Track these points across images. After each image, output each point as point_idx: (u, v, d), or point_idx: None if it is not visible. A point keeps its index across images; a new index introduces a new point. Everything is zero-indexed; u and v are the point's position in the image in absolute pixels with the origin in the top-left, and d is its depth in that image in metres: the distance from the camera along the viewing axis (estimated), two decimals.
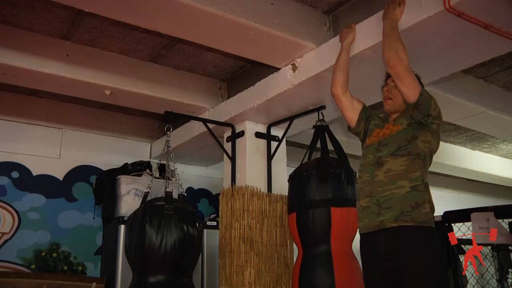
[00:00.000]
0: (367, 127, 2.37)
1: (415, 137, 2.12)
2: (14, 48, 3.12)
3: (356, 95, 2.50)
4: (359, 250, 2.26)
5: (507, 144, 5.52)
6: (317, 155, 3.16)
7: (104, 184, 4.24)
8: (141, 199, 3.28)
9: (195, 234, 2.98)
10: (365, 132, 2.37)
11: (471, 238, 2.13)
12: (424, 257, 1.98)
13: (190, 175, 5.00)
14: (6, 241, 3.92)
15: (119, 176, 4.09)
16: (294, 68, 3.03)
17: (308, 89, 3.07)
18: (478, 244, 2.05)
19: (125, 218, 3.55)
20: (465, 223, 2.32)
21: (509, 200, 7.37)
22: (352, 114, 2.43)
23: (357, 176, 2.35)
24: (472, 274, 2.50)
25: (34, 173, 4.20)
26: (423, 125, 2.12)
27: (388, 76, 2.32)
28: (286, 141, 3.86)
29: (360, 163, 2.31)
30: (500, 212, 2.19)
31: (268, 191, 3.55)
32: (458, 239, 2.12)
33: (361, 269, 2.26)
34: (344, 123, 2.53)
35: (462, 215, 2.35)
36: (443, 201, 6.34)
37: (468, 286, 2.55)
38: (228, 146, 3.82)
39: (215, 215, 4.39)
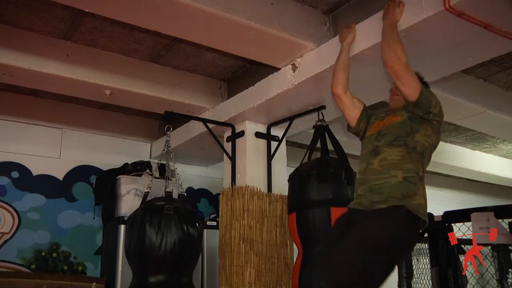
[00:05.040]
0: (367, 125, 2.37)
1: (415, 130, 2.11)
2: (14, 48, 3.12)
3: (356, 95, 2.49)
4: None
5: (507, 144, 5.52)
6: (317, 155, 3.16)
7: (104, 184, 4.24)
8: (141, 199, 3.28)
9: (195, 234, 2.98)
10: (365, 130, 2.37)
11: (471, 238, 2.13)
12: (388, 233, 1.95)
13: (190, 175, 5.00)
14: (6, 241, 3.92)
15: (119, 176, 4.09)
16: (294, 68, 3.03)
17: (308, 89, 3.07)
18: (478, 244, 2.05)
19: (125, 218, 3.55)
20: (465, 223, 2.32)
21: (509, 200, 7.37)
22: (353, 112, 2.43)
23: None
24: (472, 274, 2.49)
25: (34, 173, 4.20)
26: (424, 120, 2.12)
27: None
28: (286, 141, 3.86)
29: (360, 155, 2.31)
30: (500, 212, 2.19)
31: (268, 191, 3.55)
32: (458, 239, 2.12)
33: None
34: (344, 123, 2.53)
35: (462, 215, 2.35)
36: (443, 201, 6.36)
37: (468, 286, 2.55)
38: (228, 146, 3.82)
39: (215, 215, 4.39)
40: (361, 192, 2.16)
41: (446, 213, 2.45)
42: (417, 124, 2.12)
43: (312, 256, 2.81)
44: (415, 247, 2.87)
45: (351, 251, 1.94)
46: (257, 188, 3.44)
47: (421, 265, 2.74)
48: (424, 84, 2.19)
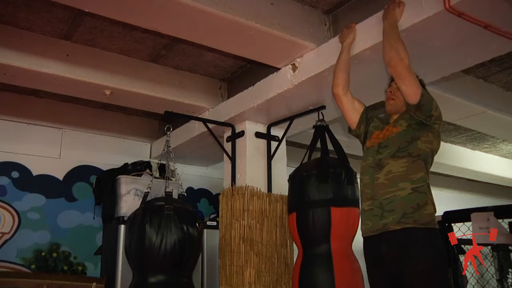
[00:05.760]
0: (367, 130, 2.37)
1: (416, 137, 2.11)
2: (14, 48, 3.12)
3: (356, 95, 2.50)
4: (359, 250, 2.26)
5: (507, 144, 5.52)
6: (317, 155, 3.16)
7: (104, 184, 4.24)
8: (141, 199, 3.27)
9: (195, 234, 2.98)
10: (365, 135, 2.37)
11: (471, 238, 2.13)
12: (426, 259, 1.98)
13: (190, 175, 5.00)
14: (6, 241, 3.92)
15: (119, 176, 4.09)
16: (294, 68, 3.03)
17: (308, 89, 3.07)
18: (478, 244, 2.05)
19: (125, 218, 3.55)
20: (465, 223, 2.32)
21: (509, 200, 7.37)
22: (353, 115, 2.43)
23: (358, 179, 2.34)
24: (472, 274, 2.50)
25: (34, 173, 4.20)
26: (424, 125, 2.12)
27: (392, 79, 2.31)
28: (286, 141, 3.86)
29: (360, 165, 2.31)
30: (500, 212, 2.20)
31: (268, 191, 3.55)
32: (458, 239, 2.12)
33: (361, 270, 2.26)
34: (344, 123, 2.53)
35: (462, 215, 2.35)
36: (443, 201, 6.34)
37: (468, 286, 2.55)
38: (228, 146, 3.82)
39: (215, 215, 4.39)
40: (368, 207, 2.17)
41: (446, 213, 2.45)
42: (417, 131, 2.12)
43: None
44: None
45: None
46: (257, 188, 3.44)
47: None
48: (420, 82, 2.20)
